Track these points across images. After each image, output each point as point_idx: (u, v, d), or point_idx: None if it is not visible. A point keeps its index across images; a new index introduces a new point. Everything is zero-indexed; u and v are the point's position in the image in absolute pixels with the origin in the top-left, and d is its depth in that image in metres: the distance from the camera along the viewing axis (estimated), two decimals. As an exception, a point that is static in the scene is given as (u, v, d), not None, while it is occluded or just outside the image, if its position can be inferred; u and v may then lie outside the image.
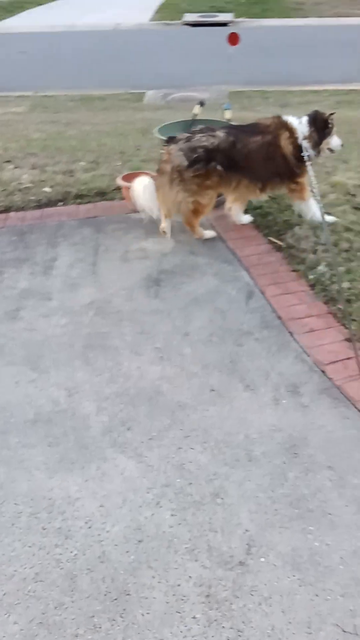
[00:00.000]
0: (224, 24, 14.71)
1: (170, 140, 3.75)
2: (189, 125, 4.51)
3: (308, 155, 3.68)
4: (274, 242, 3.76)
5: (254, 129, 3.77)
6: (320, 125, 3.76)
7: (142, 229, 3.99)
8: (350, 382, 2.50)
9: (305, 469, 2.10)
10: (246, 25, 14.20)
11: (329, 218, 3.87)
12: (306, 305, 3.10)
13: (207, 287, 3.30)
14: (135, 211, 4.00)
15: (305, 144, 3.70)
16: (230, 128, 3.81)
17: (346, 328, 2.87)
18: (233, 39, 5.25)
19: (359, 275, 3.30)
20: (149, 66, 10.87)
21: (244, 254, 3.64)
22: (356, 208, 4.04)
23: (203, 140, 3.65)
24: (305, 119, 3.77)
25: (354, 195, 4.32)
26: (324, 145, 3.82)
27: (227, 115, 4.56)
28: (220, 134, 3.69)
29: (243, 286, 3.30)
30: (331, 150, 3.89)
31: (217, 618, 1.62)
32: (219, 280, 3.37)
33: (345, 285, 3.21)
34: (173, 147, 3.69)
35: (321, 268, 3.40)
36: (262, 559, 1.78)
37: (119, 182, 4.28)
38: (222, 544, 1.83)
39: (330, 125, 3.80)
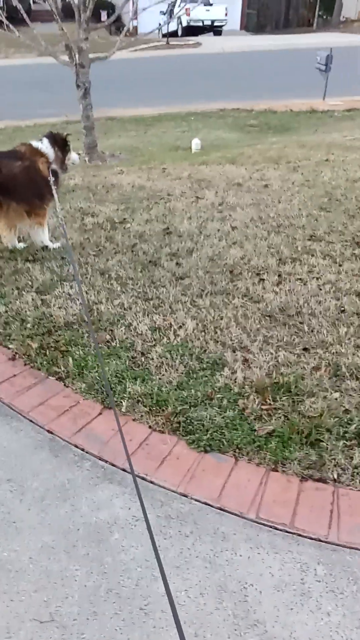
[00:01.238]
0: None
1: None
2: None
3: (55, 180, 4.12)
4: None
5: (14, 154, 4.07)
6: (62, 144, 4.29)
7: None
8: (18, 397, 2.78)
9: (-16, 490, 2.27)
10: None
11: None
12: None
13: None
14: None
15: (55, 167, 4.18)
16: None
17: (8, 348, 3.15)
18: None
19: (13, 298, 3.63)
20: None
21: None
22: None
23: None
24: (46, 141, 4.19)
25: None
26: (67, 162, 4.38)
27: None
28: None
29: None
30: (73, 164, 4.49)
31: None
32: None
33: (1, 309, 3.50)
34: None
35: (-26, 296, 3.63)
36: None
37: None
38: None
39: (69, 143, 4.36)
